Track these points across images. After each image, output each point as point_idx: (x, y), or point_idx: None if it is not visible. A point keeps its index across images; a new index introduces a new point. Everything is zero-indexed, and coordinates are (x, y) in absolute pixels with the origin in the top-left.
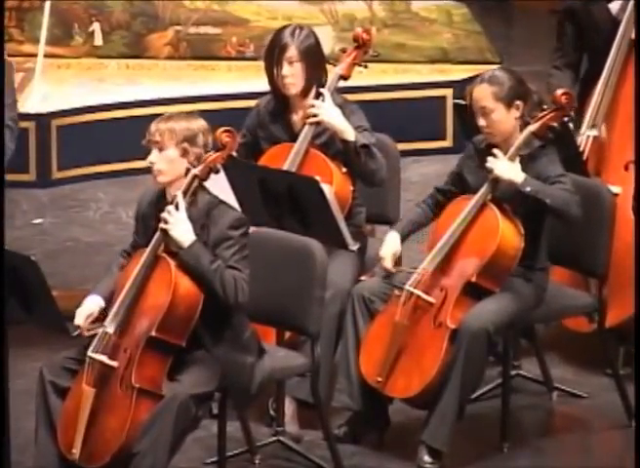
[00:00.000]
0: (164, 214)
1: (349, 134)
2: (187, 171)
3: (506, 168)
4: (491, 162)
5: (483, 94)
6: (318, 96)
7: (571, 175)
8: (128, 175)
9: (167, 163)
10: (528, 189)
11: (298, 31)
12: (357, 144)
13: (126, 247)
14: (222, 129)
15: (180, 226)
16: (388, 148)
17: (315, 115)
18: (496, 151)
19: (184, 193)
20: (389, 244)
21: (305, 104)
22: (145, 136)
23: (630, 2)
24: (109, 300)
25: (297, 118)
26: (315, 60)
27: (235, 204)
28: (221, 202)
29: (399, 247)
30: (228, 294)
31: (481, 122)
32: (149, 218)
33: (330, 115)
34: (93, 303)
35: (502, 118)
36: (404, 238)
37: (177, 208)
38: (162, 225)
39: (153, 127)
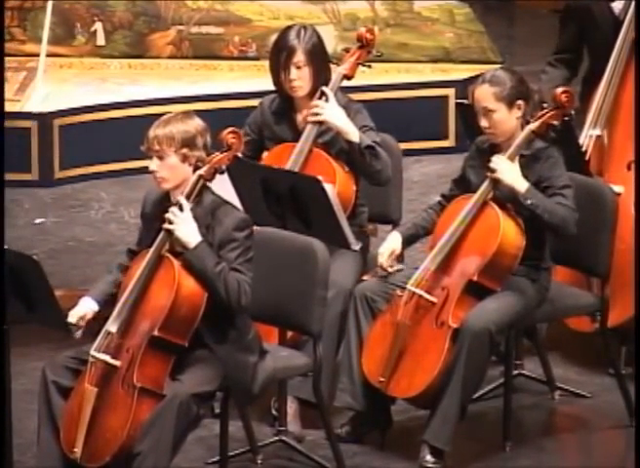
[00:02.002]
0: (168, 215)
1: (353, 135)
2: (194, 171)
3: (510, 172)
4: (495, 163)
5: (484, 94)
6: (321, 95)
7: (573, 175)
8: (130, 175)
9: (168, 170)
10: (528, 202)
11: (303, 33)
12: (362, 145)
13: (132, 246)
14: (228, 130)
15: (185, 227)
16: (390, 148)
17: (318, 114)
18: (499, 156)
19: (189, 193)
20: (388, 242)
21: (310, 104)
22: (144, 142)
23: (632, 2)
24: (103, 304)
25: (301, 118)
26: (321, 61)
27: (238, 204)
28: (225, 202)
29: (398, 246)
30: (231, 297)
31: (483, 122)
32: (153, 219)
33: (333, 115)
34: (86, 306)
35: (504, 118)
36: (406, 239)
37: (181, 209)
38: (167, 226)
39: (151, 134)
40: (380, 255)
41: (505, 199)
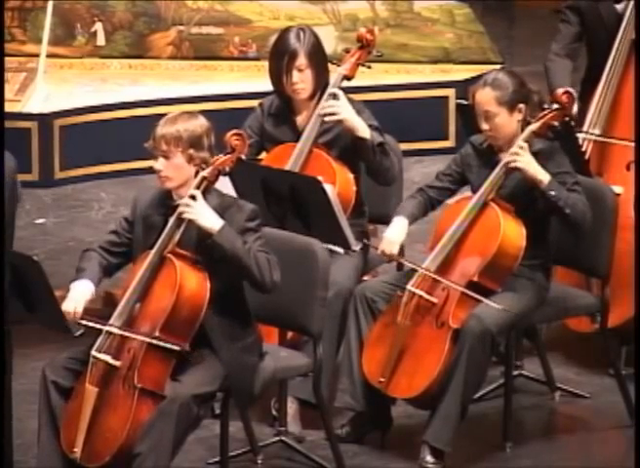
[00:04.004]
0: (183, 206)
1: (365, 132)
2: (197, 173)
3: (532, 162)
4: (519, 152)
5: (486, 98)
6: (322, 95)
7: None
8: (130, 175)
9: (174, 170)
10: (552, 193)
11: (302, 35)
12: (374, 143)
13: (102, 243)
14: (232, 132)
15: (205, 213)
16: (391, 148)
17: (332, 114)
18: (519, 145)
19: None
20: (398, 229)
21: (311, 105)
22: (149, 140)
23: (631, 2)
24: (97, 283)
25: (301, 119)
26: (321, 62)
27: None
28: (233, 199)
29: (405, 235)
30: (264, 275)
31: (484, 126)
32: (154, 220)
33: (349, 113)
34: (86, 288)
35: (506, 122)
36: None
37: (193, 199)
38: (185, 213)
39: (159, 133)
40: (389, 243)
41: (509, 197)
